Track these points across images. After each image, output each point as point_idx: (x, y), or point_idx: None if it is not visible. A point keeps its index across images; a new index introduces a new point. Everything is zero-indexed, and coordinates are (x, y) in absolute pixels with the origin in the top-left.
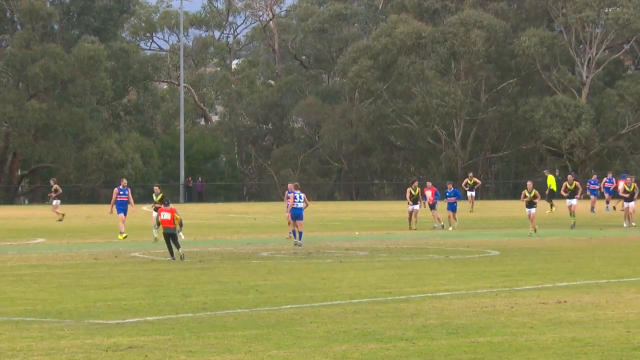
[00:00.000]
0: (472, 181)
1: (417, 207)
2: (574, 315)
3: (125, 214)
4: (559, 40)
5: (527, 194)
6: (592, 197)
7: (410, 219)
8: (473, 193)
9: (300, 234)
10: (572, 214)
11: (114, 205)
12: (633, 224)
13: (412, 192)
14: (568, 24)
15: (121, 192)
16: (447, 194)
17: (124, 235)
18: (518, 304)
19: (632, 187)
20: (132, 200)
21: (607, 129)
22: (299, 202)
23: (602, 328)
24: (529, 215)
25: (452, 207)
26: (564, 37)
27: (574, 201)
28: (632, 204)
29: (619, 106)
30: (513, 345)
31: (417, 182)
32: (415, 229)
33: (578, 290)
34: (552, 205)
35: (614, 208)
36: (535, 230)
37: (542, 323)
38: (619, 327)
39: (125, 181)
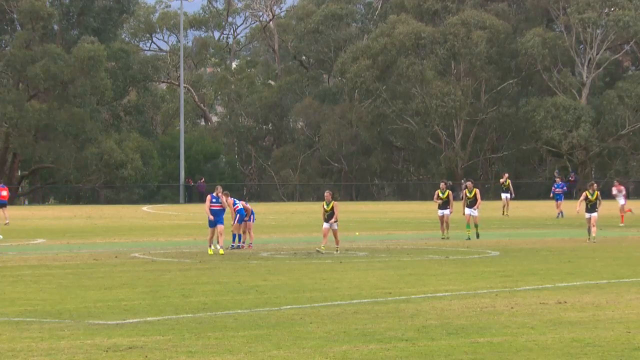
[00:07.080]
0: (507, 183)
1: (474, 211)
2: (574, 316)
3: (222, 224)
4: (560, 41)
5: (468, 194)
6: (558, 201)
7: (468, 222)
8: (508, 195)
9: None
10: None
11: (209, 216)
12: (594, 236)
13: (468, 194)
14: (569, 25)
15: (214, 200)
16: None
17: (212, 249)
18: (518, 304)
19: (595, 195)
20: (229, 210)
21: (607, 130)
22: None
23: (602, 328)
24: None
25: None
26: (564, 37)
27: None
28: (594, 214)
29: (619, 107)
30: (513, 346)
31: (471, 183)
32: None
33: (578, 290)
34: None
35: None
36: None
37: (542, 323)
38: (619, 328)
39: (219, 188)
